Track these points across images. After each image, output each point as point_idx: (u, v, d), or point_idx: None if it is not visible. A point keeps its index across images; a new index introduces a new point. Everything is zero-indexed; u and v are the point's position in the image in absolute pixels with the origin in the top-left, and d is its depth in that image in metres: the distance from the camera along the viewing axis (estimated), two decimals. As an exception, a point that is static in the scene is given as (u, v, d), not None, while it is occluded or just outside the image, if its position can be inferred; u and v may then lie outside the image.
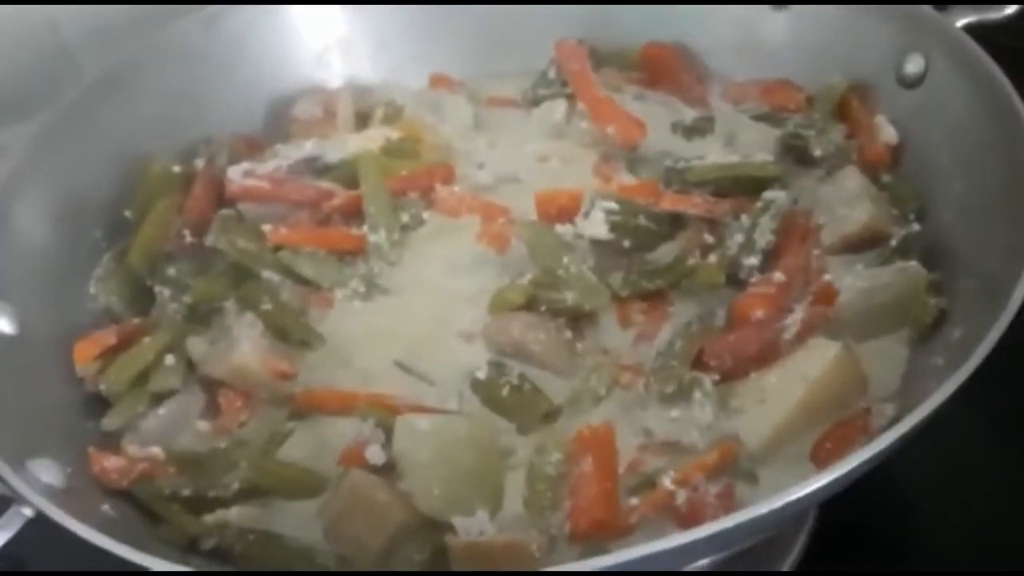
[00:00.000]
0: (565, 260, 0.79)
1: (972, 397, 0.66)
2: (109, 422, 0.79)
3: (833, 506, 0.80)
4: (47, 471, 0.70)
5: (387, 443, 0.73)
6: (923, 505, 0.86)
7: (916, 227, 0.81)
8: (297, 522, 0.73)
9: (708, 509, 0.69)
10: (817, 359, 0.72)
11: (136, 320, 0.84)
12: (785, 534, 0.83)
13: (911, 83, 0.86)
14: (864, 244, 0.81)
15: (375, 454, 0.73)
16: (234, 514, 0.74)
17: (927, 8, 0.86)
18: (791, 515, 0.69)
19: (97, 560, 0.66)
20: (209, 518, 0.73)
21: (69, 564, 0.84)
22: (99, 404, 0.80)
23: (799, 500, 0.59)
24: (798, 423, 0.72)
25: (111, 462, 0.74)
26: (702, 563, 0.69)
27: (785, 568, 0.82)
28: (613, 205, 0.80)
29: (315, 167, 0.89)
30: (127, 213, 0.88)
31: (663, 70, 0.95)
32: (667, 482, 0.70)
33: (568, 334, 0.78)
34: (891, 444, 0.61)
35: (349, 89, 0.97)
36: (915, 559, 0.84)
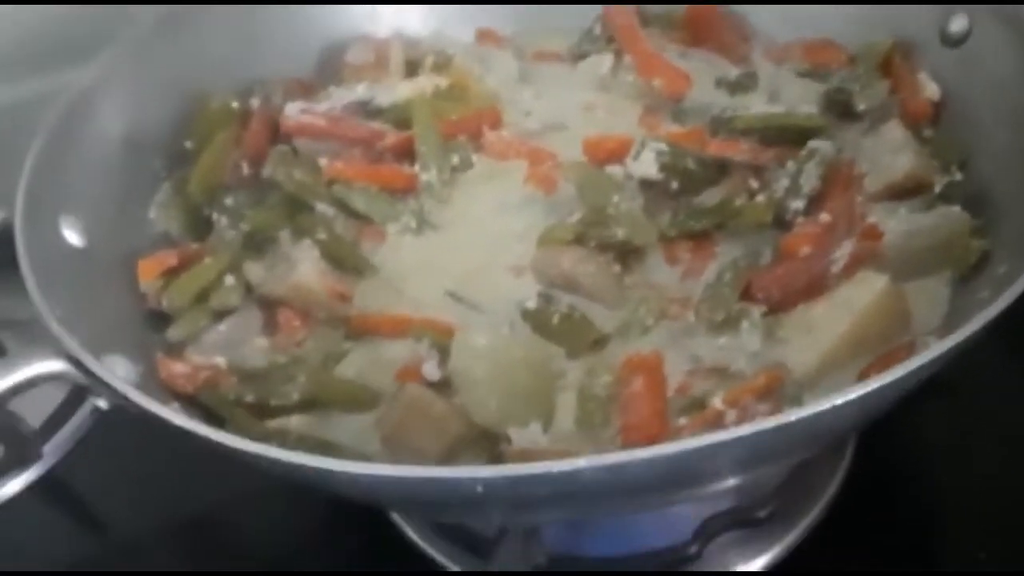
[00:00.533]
0: (615, 198, 0.82)
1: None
2: (173, 333, 0.82)
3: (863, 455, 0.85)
4: (122, 366, 0.73)
5: (442, 362, 0.76)
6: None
7: (959, 176, 0.84)
8: (354, 433, 0.76)
9: (757, 418, 0.71)
10: (864, 291, 0.75)
11: (195, 245, 0.86)
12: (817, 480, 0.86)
13: (955, 42, 0.89)
14: (907, 192, 0.83)
15: (431, 370, 0.76)
16: (295, 422, 0.76)
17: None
18: (838, 426, 0.71)
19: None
20: (271, 423, 0.76)
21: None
22: (162, 319, 0.83)
23: (847, 404, 0.61)
24: (843, 353, 0.74)
25: (178, 367, 0.78)
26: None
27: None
28: (663, 147, 0.83)
29: (367, 109, 0.92)
30: (187, 144, 0.91)
31: (707, 30, 0.97)
32: (717, 402, 0.72)
33: (616, 268, 0.81)
34: (934, 359, 0.63)
35: (399, 37, 1.00)
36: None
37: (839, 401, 0.61)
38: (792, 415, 0.61)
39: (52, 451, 0.90)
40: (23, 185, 0.80)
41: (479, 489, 0.62)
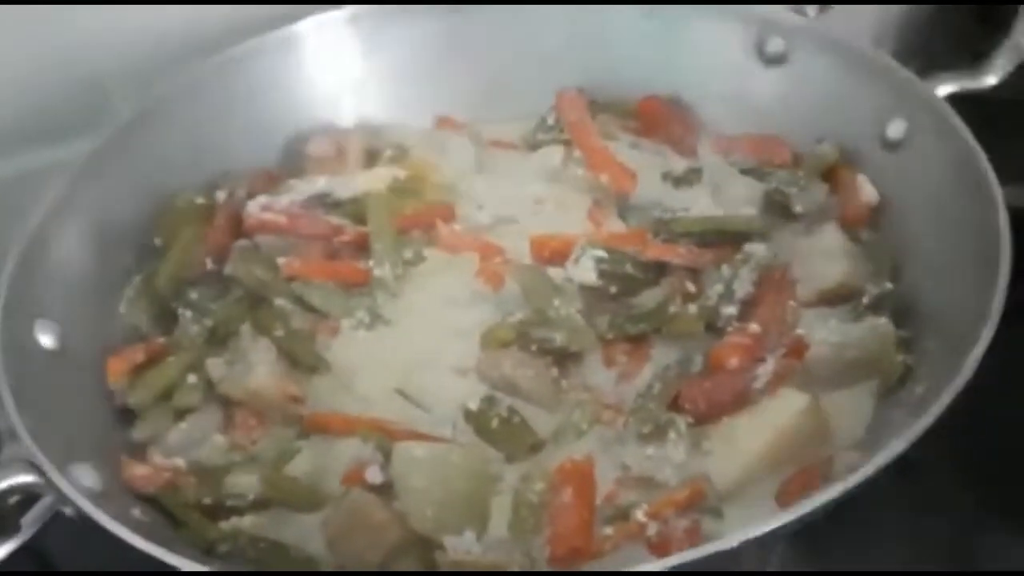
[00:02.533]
0: (555, 302, 0.87)
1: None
2: (138, 433, 0.87)
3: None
4: (87, 475, 0.78)
5: (386, 464, 0.81)
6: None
7: (889, 285, 0.87)
8: (302, 533, 0.81)
9: (675, 542, 0.76)
10: (785, 408, 0.79)
11: (162, 339, 0.91)
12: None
13: (893, 146, 0.92)
14: (839, 299, 0.88)
15: (374, 475, 0.80)
16: (247, 522, 0.82)
17: (910, 75, 0.92)
18: (754, 549, 0.76)
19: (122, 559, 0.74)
20: (225, 525, 0.81)
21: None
22: (129, 416, 0.88)
23: (760, 538, 0.66)
24: (764, 466, 0.79)
25: (140, 470, 0.83)
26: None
27: None
28: (602, 253, 0.88)
29: (326, 202, 0.96)
30: (156, 241, 0.96)
31: (657, 121, 1.01)
32: (640, 515, 0.77)
33: (555, 371, 0.85)
34: (845, 491, 0.68)
35: (360, 129, 1.04)
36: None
37: (739, 540, 0.66)
38: (697, 552, 0.66)
39: (31, 522, 0.95)
40: (1, 297, 0.84)
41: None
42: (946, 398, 0.71)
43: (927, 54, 1.01)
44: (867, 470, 0.69)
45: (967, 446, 0.94)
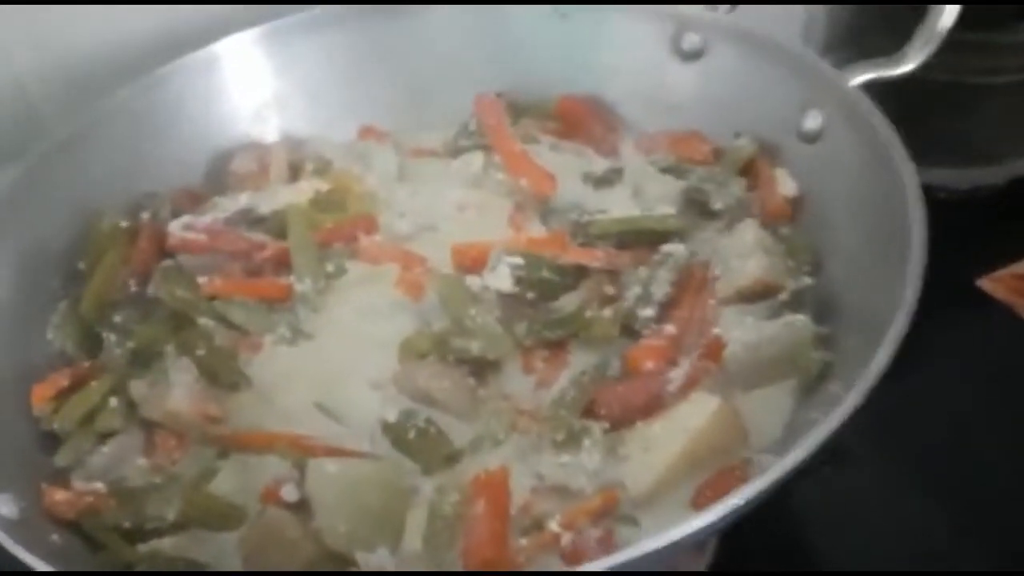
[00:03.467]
0: (472, 311, 0.83)
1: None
2: (60, 459, 0.83)
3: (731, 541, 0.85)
4: (5, 505, 0.75)
5: (302, 481, 0.77)
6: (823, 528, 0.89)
7: (808, 281, 0.83)
8: (221, 552, 0.77)
9: (589, 552, 0.72)
10: (698, 412, 0.75)
11: (87, 363, 0.88)
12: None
13: (810, 138, 0.88)
14: (757, 296, 0.83)
15: (290, 492, 0.77)
16: (166, 544, 0.78)
17: (825, 65, 0.88)
18: (668, 556, 0.72)
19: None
20: (143, 547, 0.78)
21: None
22: (53, 441, 0.84)
23: (672, 545, 0.62)
24: (679, 472, 0.75)
25: (60, 495, 0.79)
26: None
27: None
28: (518, 260, 0.84)
29: (249, 219, 0.93)
30: (80, 265, 0.93)
31: (578, 122, 0.98)
32: (553, 525, 0.74)
33: (471, 381, 0.81)
34: (758, 495, 0.64)
35: (283, 143, 1.01)
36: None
37: (649, 548, 0.62)
38: (607, 561, 0.62)
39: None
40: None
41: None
42: (858, 393, 0.67)
43: (859, 44, 0.96)
44: (776, 472, 0.65)
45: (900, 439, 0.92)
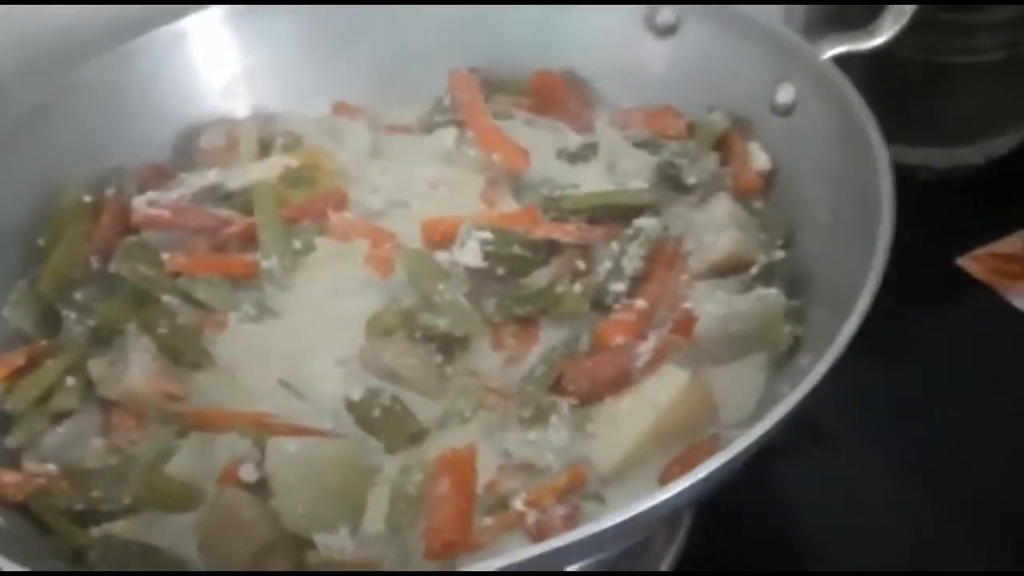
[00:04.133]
0: (440, 287, 0.78)
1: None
2: (12, 440, 0.79)
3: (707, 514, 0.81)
4: None
5: (261, 461, 0.73)
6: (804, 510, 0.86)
7: (780, 254, 0.79)
8: (177, 535, 0.73)
9: (553, 530, 0.68)
10: (666, 386, 0.71)
11: (44, 342, 0.83)
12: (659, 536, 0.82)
13: (783, 112, 0.84)
14: (729, 270, 0.79)
15: (248, 472, 0.73)
16: (119, 527, 0.74)
17: (798, 39, 0.84)
18: (635, 529, 0.68)
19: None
20: (95, 531, 0.74)
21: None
22: (6, 423, 0.80)
23: (632, 520, 0.58)
24: (647, 448, 0.71)
25: (9, 477, 0.74)
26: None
27: (663, 568, 0.81)
28: (488, 235, 0.79)
29: (217, 195, 0.88)
30: (40, 241, 0.88)
31: (552, 97, 0.93)
32: (518, 504, 0.70)
33: (439, 358, 0.77)
34: (719, 468, 0.60)
35: (253, 119, 0.96)
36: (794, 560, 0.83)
37: (610, 523, 0.59)
38: (558, 541, 0.58)
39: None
40: None
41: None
42: (825, 363, 0.64)
43: (842, 19, 0.92)
44: (741, 444, 0.61)
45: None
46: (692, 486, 0.60)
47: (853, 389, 0.78)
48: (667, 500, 0.60)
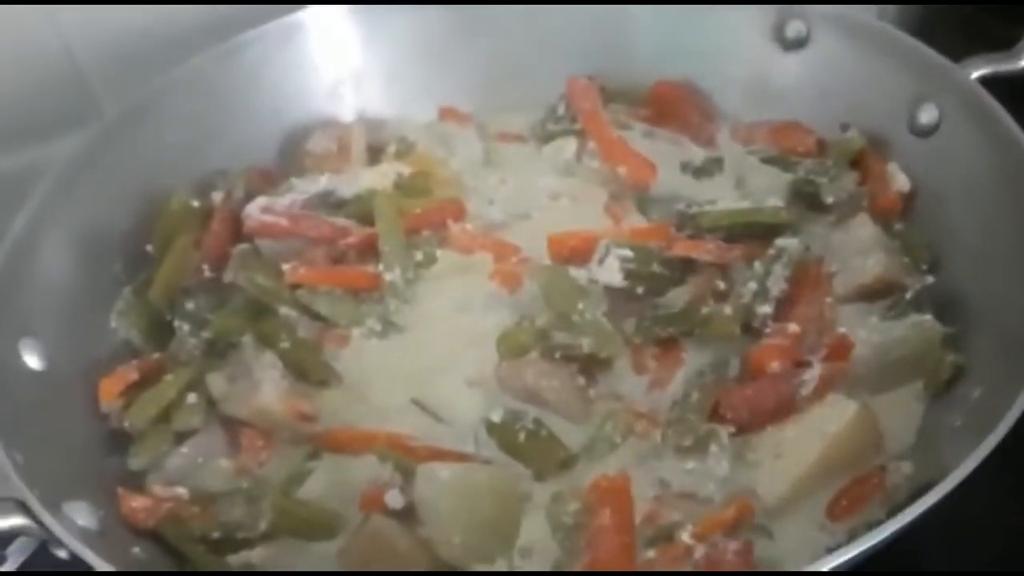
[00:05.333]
0: (580, 305, 0.73)
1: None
2: (135, 461, 0.73)
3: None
4: (82, 514, 0.65)
5: (406, 486, 0.67)
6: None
7: (930, 279, 0.75)
8: (316, 563, 0.68)
9: (727, 565, 0.63)
10: (836, 416, 0.67)
11: (156, 355, 0.77)
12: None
13: (924, 132, 0.80)
14: (877, 294, 0.75)
15: (395, 499, 0.67)
16: (257, 555, 0.69)
17: (941, 58, 0.79)
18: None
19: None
20: (233, 559, 0.68)
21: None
22: (124, 440, 0.74)
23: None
24: (815, 479, 0.67)
25: (139, 502, 0.69)
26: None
27: None
28: (628, 253, 0.74)
29: (329, 201, 0.82)
30: (148, 247, 0.81)
31: (672, 108, 0.88)
32: (685, 536, 0.65)
33: (581, 380, 0.72)
34: (911, 522, 0.56)
35: (361, 123, 0.90)
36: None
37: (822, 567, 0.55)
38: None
39: (16, 551, 0.80)
40: (-21, 316, 0.71)
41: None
42: (1017, 410, 0.59)
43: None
44: (937, 493, 0.56)
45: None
46: (890, 535, 0.55)
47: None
48: (863, 552, 0.55)
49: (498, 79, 0.92)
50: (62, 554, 0.64)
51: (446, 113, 0.93)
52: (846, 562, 0.55)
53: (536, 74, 0.90)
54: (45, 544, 0.64)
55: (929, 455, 0.66)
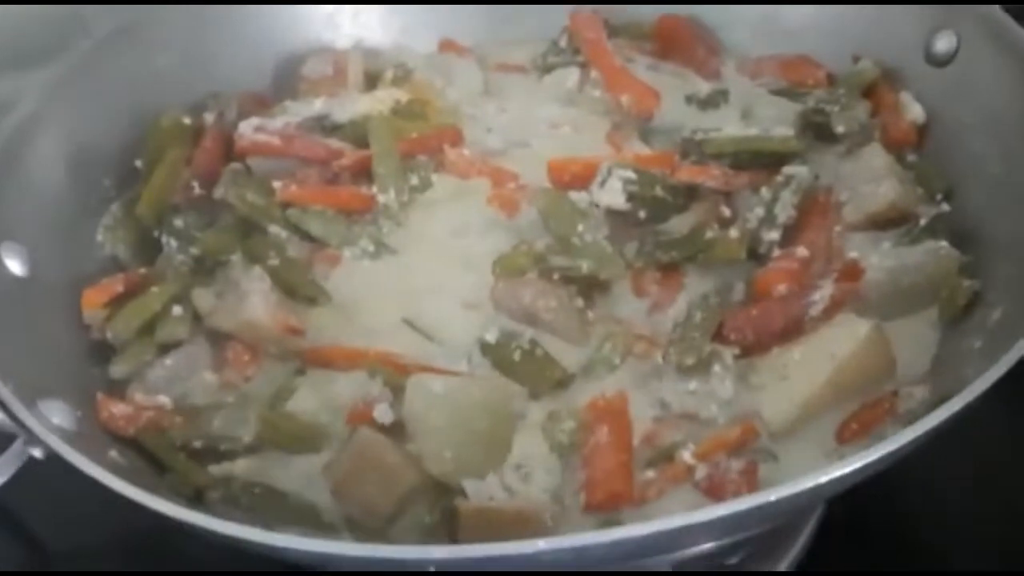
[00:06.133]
0: (580, 228, 0.70)
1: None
2: (116, 369, 0.70)
3: (840, 501, 0.72)
4: (58, 413, 0.62)
5: (395, 402, 0.65)
6: (930, 507, 0.75)
7: (945, 207, 0.72)
8: (302, 478, 0.65)
9: (730, 485, 0.60)
10: (846, 337, 0.64)
11: (142, 270, 0.74)
12: (790, 527, 0.73)
13: (941, 61, 0.76)
14: (889, 223, 0.72)
15: (384, 413, 0.64)
16: (240, 467, 0.65)
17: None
18: (817, 498, 0.61)
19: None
20: (215, 469, 0.65)
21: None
22: (106, 351, 0.71)
23: (828, 484, 0.51)
24: (823, 402, 0.63)
25: (119, 408, 0.66)
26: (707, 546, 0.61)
27: (783, 568, 0.71)
28: (631, 174, 0.71)
29: (324, 125, 0.79)
30: (137, 163, 0.78)
31: (677, 42, 0.85)
32: (686, 456, 0.62)
33: (580, 302, 0.69)
34: (925, 433, 0.52)
35: (359, 49, 0.87)
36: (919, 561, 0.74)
37: (820, 480, 0.50)
38: (770, 494, 0.50)
39: (1, 467, 0.77)
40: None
41: (431, 568, 0.51)
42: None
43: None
44: (951, 408, 0.53)
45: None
46: (896, 449, 0.51)
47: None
48: (870, 463, 0.51)
49: (499, 13, 0.89)
50: (37, 453, 0.61)
51: (446, 46, 0.90)
52: (850, 474, 0.51)
53: (537, 10, 0.88)
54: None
55: (946, 379, 0.63)
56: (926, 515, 0.75)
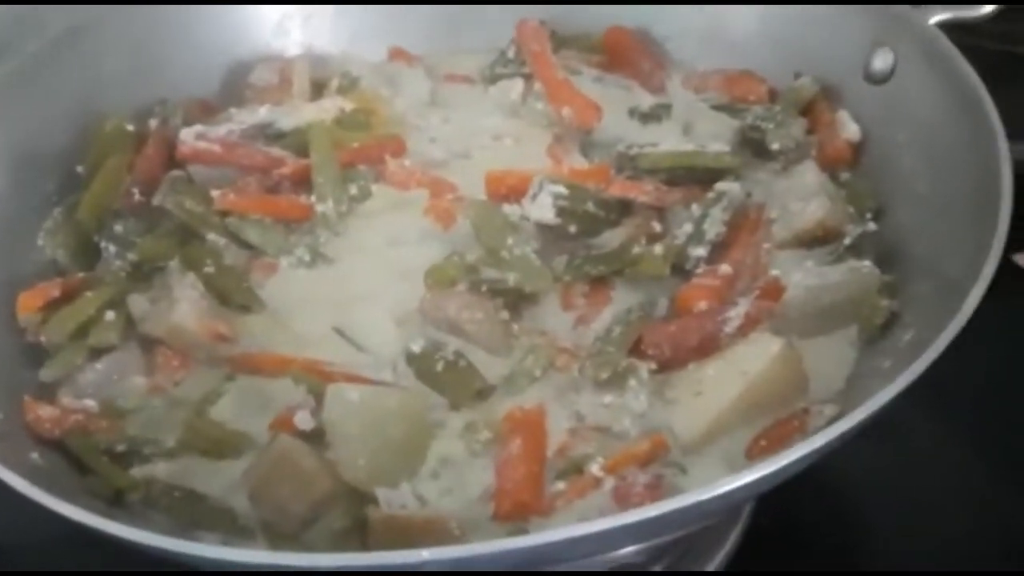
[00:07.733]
0: (509, 241, 0.74)
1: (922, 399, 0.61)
2: (47, 373, 0.74)
3: (768, 504, 0.75)
4: None
5: (317, 409, 0.68)
6: (863, 508, 0.80)
7: (872, 226, 0.75)
8: (223, 482, 0.68)
9: (635, 498, 0.63)
10: (758, 354, 0.67)
11: (81, 274, 0.78)
12: (717, 530, 0.77)
13: (878, 79, 0.80)
14: (817, 241, 0.75)
15: (304, 420, 0.68)
16: (161, 470, 0.69)
17: (899, 3, 0.79)
18: (719, 510, 0.64)
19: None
20: (137, 472, 0.68)
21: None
22: (40, 355, 0.74)
23: (727, 494, 0.54)
24: (734, 418, 0.66)
25: (45, 411, 0.70)
26: (628, 551, 0.65)
27: (712, 568, 0.75)
28: (562, 190, 0.75)
29: (268, 133, 0.83)
30: (79, 168, 0.82)
31: (623, 55, 0.89)
32: (595, 468, 0.65)
33: (505, 315, 0.72)
34: (825, 444, 0.56)
35: (306, 58, 0.91)
36: (852, 560, 0.78)
37: (717, 491, 0.53)
38: (666, 506, 0.53)
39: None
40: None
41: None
42: (942, 343, 0.59)
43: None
44: (845, 424, 0.56)
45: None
46: (792, 462, 0.54)
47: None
48: (771, 474, 0.54)
49: (449, 23, 0.93)
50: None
51: (395, 54, 0.93)
52: (750, 484, 0.54)
53: (488, 19, 0.91)
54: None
55: (856, 399, 0.65)
56: (855, 513, 0.79)
